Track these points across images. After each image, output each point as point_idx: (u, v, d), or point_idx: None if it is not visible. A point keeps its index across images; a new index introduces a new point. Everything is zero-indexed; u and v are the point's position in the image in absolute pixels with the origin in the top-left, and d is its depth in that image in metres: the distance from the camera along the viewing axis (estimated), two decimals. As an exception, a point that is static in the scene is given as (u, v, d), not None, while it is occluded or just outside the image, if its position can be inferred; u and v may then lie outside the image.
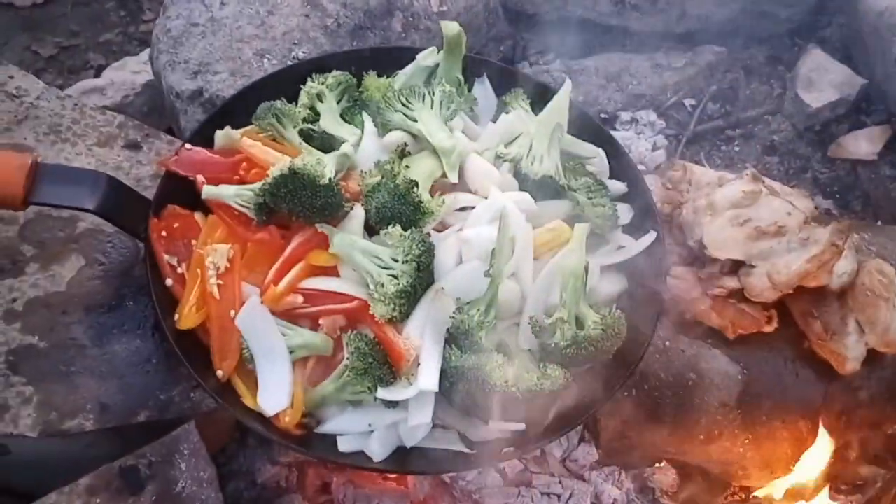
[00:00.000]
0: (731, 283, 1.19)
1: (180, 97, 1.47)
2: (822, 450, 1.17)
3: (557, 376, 1.03)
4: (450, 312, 1.03)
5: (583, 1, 1.88)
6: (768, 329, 1.19)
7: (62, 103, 1.31)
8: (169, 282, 1.08)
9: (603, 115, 1.77)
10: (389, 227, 1.04)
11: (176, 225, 1.12)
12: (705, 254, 1.21)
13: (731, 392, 1.18)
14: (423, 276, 1.04)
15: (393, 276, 1.03)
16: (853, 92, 1.72)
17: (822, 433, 1.17)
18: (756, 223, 1.19)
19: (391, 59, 1.34)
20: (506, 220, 1.06)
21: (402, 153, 1.13)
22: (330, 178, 1.07)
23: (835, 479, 1.20)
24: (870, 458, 1.20)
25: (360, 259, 1.05)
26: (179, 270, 1.10)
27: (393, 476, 1.23)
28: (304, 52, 1.52)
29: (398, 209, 1.06)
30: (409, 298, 1.03)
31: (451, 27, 1.28)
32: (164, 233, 1.11)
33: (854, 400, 1.18)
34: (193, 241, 1.11)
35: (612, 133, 1.72)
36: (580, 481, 1.23)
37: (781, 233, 1.18)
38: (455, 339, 1.03)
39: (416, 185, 1.07)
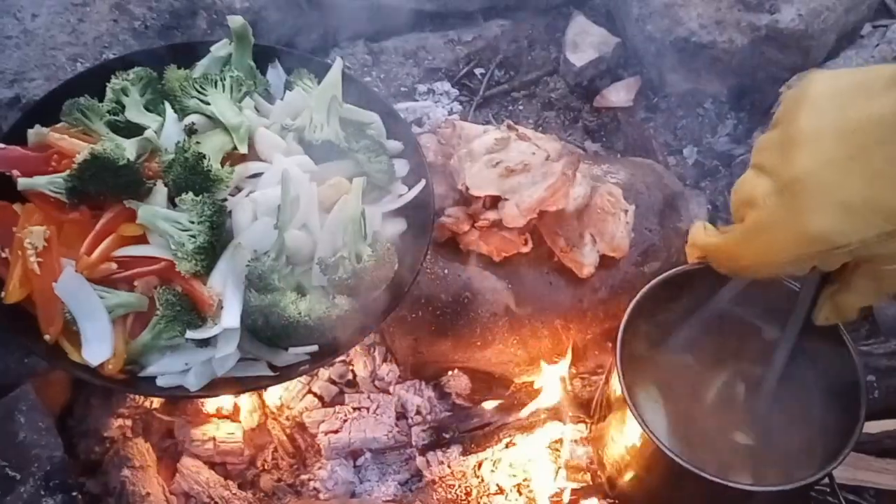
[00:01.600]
0: (492, 215, 1.40)
1: (1, 105, 1.56)
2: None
3: (343, 304, 1.21)
4: (246, 262, 1.20)
5: (380, -12, 2.05)
6: (525, 250, 1.41)
7: None
8: (-7, 264, 1.20)
9: (403, 89, 1.95)
10: (183, 195, 1.20)
11: (-5, 215, 1.23)
12: (469, 193, 1.41)
13: (500, 304, 1.40)
14: (218, 233, 1.19)
15: (192, 235, 1.18)
16: (609, 50, 1.97)
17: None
18: (506, 164, 1.41)
19: (192, 54, 1.48)
20: (287, 180, 1.24)
21: (191, 131, 1.28)
22: (128, 159, 1.21)
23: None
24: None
25: (163, 225, 1.20)
26: (3, 255, 1.21)
27: (227, 414, 1.39)
28: (114, 54, 1.63)
29: (191, 179, 1.21)
30: (208, 253, 1.18)
31: (235, 20, 1.43)
32: (-15, 223, 1.22)
33: (596, 298, 1.42)
34: (14, 228, 1.23)
35: (412, 103, 1.93)
36: (386, 395, 1.42)
37: (526, 170, 1.40)
38: (254, 283, 1.19)
39: (205, 157, 1.23)
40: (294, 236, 1.22)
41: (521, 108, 1.98)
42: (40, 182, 1.24)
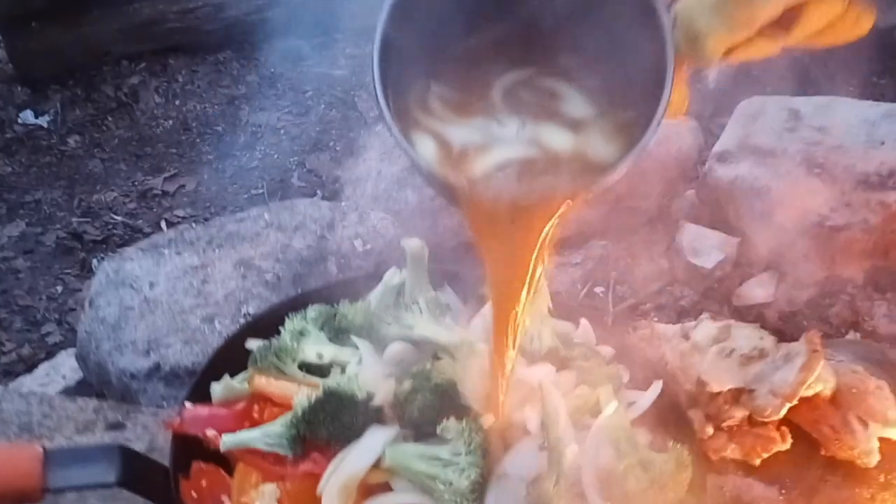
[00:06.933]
0: (739, 412, 1.29)
1: (136, 377, 1.43)
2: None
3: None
4: (521, 494, 1.03)
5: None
6: (784, 447, 1.28)
7: (26, 400, 1.23)
8: (214, 544, 1.00)
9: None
10: (444, 422, 1.05)
11: (204, 483, 1.05)
12: (705, 391, 1.30)
13: (781, 514, 1.23)
14: (489, 463, 1.04)
15: (461, 469, 1.02)
16: (734, 249, 2.00)
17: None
18: (739, 352, 1.32)
19: (349, 291, 1.41)
20: (547, 391, 1.12)
21: (435, 356, 1.17)
22: (367, 392, 1.08)
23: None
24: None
25: (419, 465, 1.04)
26: (218, 532, 1.02)
27: None
28: (252, 309, 1.56)
29: (444, 405, 1.08)
30: (482, 488, 1.02)
31: (412, 243, 1.39)
32: (194, 494, 1.04)
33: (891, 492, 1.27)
34: (224, 497, 1.05)
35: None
36: None
37: (764, 355, 1.32)
38: (535, 518, 1.02)
39: (456, 382, 1.11)
40: (574, 453, 1.07)
41: (656, 319, 1.94)
42: (252, 436, 1.08)
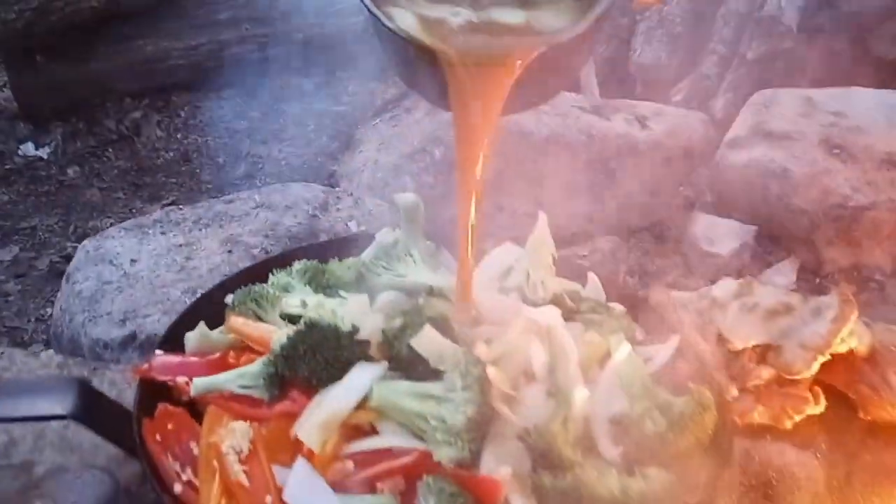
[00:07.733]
0: (765, 371, 1.18)
1: (110, 346, 1.33)
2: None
3: (657, 475, 0.92)
4: (524, 441, 0.92)
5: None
6: (818, 408, 1.16)
7: (-17, 354, 1.14)
8: (178, 488, 0.89)
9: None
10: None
11: (169, 426, 0.95)
12: (727, 349, 1.20)
13: (817, 480, 1.11)
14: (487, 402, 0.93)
15: (456, 406, 0.91)
16: (749, 237, 1.90)
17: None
18: (764, 306, 1.22)
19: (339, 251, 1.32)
20: (556, 330, 1.01)
21: (431, 292, 1.08)
22: (353, 325, 0.99)
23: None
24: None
25: (409, 403, 0.93)
26: (185, 477, 0.91)
27: None
28: (237, 281, 1.46)
29: (438, 339, 0.97)
30: (480, 429, 0.91)
31: (406, 198, 1.30)
32: (158, 437, 0.93)
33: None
34: (192, 444, 0.94)
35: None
36: None
37: (791, 309, 1.21)
38: (540, 462, 0.91)
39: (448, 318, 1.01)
40: (583, 397, 0.96)
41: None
42: (226, 378, 0.98)
